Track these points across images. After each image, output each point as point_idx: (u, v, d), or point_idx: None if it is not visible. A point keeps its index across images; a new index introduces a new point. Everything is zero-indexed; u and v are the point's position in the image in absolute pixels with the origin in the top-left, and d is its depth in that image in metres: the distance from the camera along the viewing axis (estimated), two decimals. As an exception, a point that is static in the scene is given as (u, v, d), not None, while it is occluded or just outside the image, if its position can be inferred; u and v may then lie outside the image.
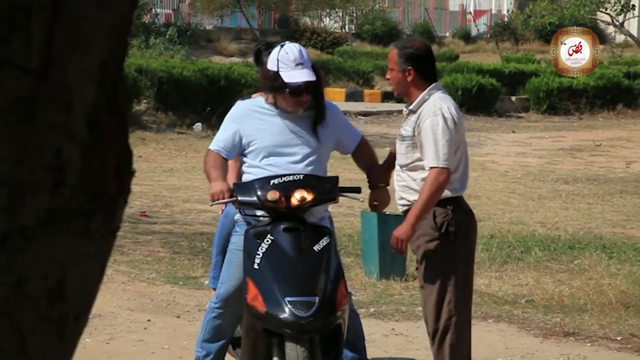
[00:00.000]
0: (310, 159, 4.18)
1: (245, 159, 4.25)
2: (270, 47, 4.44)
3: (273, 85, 4.14)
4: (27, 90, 0.99)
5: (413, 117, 4.15)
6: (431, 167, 4.05)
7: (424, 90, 4.13)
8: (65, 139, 1.01)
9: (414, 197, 4.11)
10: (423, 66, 4.14)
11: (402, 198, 4.21)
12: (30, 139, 1.00)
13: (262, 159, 4.17)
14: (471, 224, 4.20)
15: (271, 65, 4.14)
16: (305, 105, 4.18)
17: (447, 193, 4.10)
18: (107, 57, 1.02)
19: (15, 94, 0.99)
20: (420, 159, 4.11)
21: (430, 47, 4.35)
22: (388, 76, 4.27)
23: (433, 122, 4.07)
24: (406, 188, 4.17)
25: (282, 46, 4.18)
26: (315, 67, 4.19)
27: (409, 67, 4.12)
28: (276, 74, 4.11)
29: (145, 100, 16.77)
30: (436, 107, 4.10)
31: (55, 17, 0.99)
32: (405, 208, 4.18)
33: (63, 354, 1.09)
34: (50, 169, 1.01)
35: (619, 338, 5.72)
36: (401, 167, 4.20)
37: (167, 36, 25.15)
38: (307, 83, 4.09)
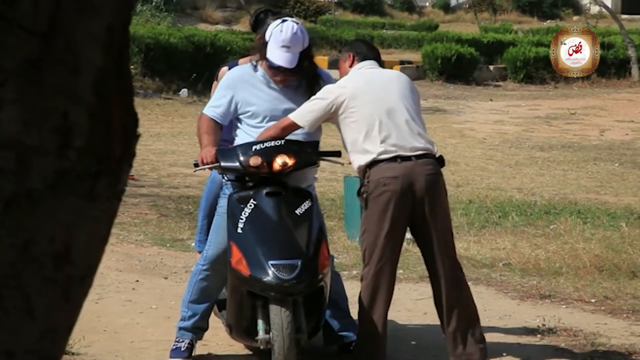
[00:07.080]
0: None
1: (240, 124, 4.27)
2: (269, 14, 4.48)
3: (260, 51, 4.22)
4: (34, 53, 0.99)
5: None
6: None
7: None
8: (72, 102, 1.01)
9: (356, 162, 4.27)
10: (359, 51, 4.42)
11: None
12: (37, 102, 1.00)
13: (261, 120, 4.22)
14: (397, 191, 4.15)
15: (267, 34, 4.19)
16: (284, 83, 4.22)
17: (361, 159, 4.20)
18: (113, 21, 1.02)
19: (22, 56, 0.98)
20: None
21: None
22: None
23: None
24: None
25: (283, 21, 4.19)
26: (309, 45, 4.19)
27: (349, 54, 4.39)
28: (265, 44, 4.17)
29: (132, 66, 16.70)
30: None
31: (62, -20, 0.98)
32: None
33: (68, 315, 1.10)
34: (57, 131, 1.01)
35: (592, 300, 5.80)
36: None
37: (154, 3, 24.97)
38: (283, 68, 4.12)
